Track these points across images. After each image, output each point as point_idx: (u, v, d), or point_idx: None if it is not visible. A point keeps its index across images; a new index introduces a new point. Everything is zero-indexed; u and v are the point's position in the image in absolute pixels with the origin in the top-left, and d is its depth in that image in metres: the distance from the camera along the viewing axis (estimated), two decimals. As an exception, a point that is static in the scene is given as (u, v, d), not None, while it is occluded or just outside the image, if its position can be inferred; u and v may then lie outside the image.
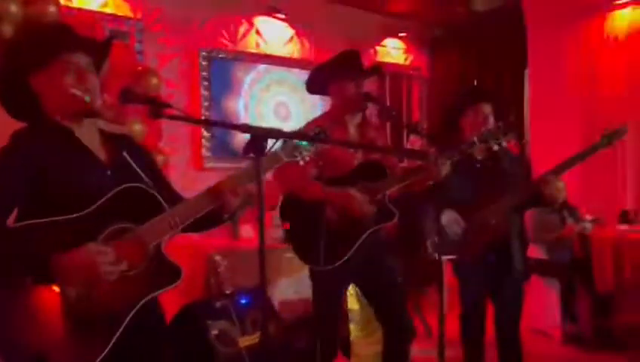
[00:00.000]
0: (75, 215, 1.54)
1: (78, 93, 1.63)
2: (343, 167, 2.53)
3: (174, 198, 1.78)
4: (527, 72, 5.44)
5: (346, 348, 3.56)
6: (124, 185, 1.61)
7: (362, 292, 2.77)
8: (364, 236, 2.45)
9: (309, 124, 2.64)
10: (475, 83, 5.93)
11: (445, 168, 2.41)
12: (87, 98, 1.64)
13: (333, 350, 2.67)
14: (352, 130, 2.64)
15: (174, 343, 3.18)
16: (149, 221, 1.61)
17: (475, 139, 2.54)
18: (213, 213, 1.74)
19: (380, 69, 2.89)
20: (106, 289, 1.53)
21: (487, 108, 2.85)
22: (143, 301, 1.58)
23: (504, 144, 2.54)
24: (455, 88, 6.23)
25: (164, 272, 1.63)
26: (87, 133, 1.72)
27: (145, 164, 1.79)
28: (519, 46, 5.31)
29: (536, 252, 4.25)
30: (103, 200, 1.57)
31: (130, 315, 1.55)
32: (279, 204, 2.55)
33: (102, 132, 1.77)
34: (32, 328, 1.50)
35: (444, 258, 2.84)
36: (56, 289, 1.51)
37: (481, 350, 2.99)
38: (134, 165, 1.71)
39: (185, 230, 1.74)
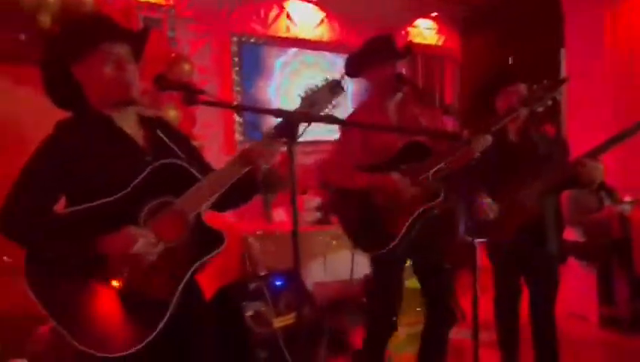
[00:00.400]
0: (113, 197, 1.60)
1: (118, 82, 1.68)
2: (388, 151, 2.55)
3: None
4: (563, 51, 5.29)
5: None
6: (158, 162, 1.66)
7: (414, 271, 2.78)
8: (411, 218, 2.46)
9: (350, 117, 2.67)
10: (510, 62, 5.80)
11: (486, 141, 2.39)
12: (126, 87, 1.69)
13: (390, 329, 2.70)
14: (392, 114, 2.64)
15: (211, 324, 3.26)
16: (186, 193, 1.65)
17: (518, 105, 2.46)
18: (247, 183, 1.75)
19: (412, 49, 2.85)
20: (153, 265, 1.60)
21: (522, 89, 2.80)
22: (194, 266, 1.64)
23: (551, 100, 2.46)
24: (488, 68, 6.10)
25: (208, 239, 1.67)
26: (127, 120, 1.77)
27: (180, 142, 1.84)
28: (556, 25, 5.16)
29: (573, 234, 4.17)
30: (138, 179, 1.62)
31: (182, 285, 1.61)
32: (328, 198, 2.59)
33: (140, 117, 1.83)
34: (89, 313, 1.57)
35: (478, 240, 2.82)
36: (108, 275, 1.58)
37: (516, 333, 2.98)
38: (169, 142, 1.77)
39: (224, 207, 1.81)
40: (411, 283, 3.77)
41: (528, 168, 2.71)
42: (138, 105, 1.79)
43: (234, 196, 1.79)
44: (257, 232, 3.85)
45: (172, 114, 3.24)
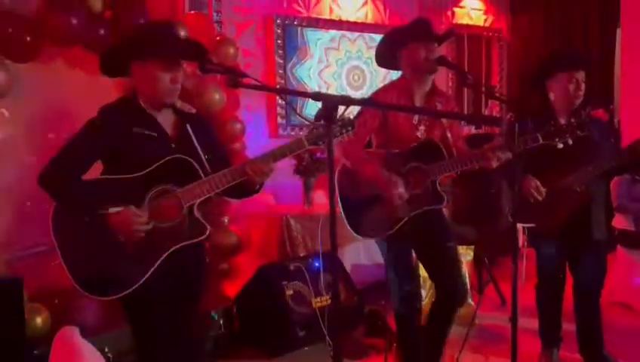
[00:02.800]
0: (133, 175, 1.94)
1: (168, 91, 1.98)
2: (405, 141, 2.54)
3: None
4: (619, 30, 5.06)
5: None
6: (173, 156, 1.96)
7: (417, 254, 2.78)
8: (406, 219, 2.50)
9: (375, 94, 2.65)
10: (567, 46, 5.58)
11: (504, 157, 2.38)
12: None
13: (411, 308, 2.71)
14: (419, 100, 2.60)
15: (252, 301, 3.35)
16: (187, 186, 1.95)
17: (539, 135, 2.39)
18: (244, 185, 2.04)
19: (452, 34, 2.78)
20: (146, 235, 1.93)
21: (580, 76, 2.68)
22: (174, 248, 1.95)
23: (566, 142, 2.37)
24: (538, 50, 5.91)
25: (194, 228, 1.99)
26: (164, 112, 2.05)
27: (207, 140, 2.10)
28: (611, 4, 4.94)
29: (622, 222, 4.04)
30: (154, 165, 1.94)
31: (164, 256, 1.94)
32: (337, 173, 2.60)
33: (175, 110, 2.09)
34: (95, 249, 1.94)
35: (523, 226, 2.77)
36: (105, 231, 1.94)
37: (558, 321, 2.93)
38: (195, 140, 2.03)
39: (227, 195, 2.14)
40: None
41: (580, 153, 2.62)
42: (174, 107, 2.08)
43: (235, 192, 2.11)
44: (297, 214, 3.90)
45: (217, 96, 3.29)
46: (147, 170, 1.94)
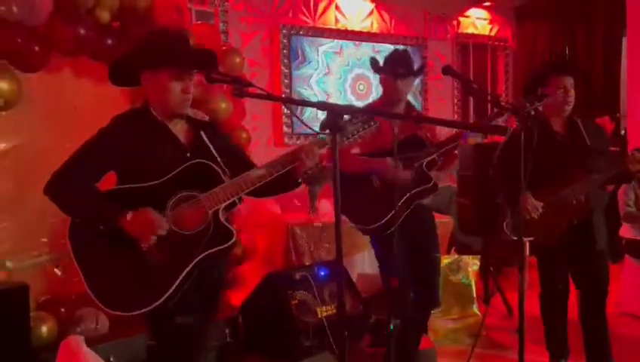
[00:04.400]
0: (152, 183, 1.87)
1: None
2: (385, 152, 2.66)
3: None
4: (625, 39, 5.05)
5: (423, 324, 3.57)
6: (193, 161, 1.91)
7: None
8: (404, 198, 2.61)
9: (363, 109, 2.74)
10: (567, 53, 5.59)
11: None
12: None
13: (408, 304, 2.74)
14: (395, 122, 2.71)
15: (258, 311, 3.34)
16: (210, 191, 1.88)
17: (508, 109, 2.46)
18: (287, 178, 1.98)
19: (423, 70, 2.92)
20: (169, 245, 1.85)
21: (568, 81, 2.71)
22: (201, 256, 1.86)
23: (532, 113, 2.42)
24: (543, 59, 5.92)
25: (219, 234, 1.89)
26: (176, 122, 2.00)
27: (223, 145, 2.06)
28: (617, 12, 4.93)
29: (630, 232, 4.00)
30: (175, 172, 1.88)
31: (189, 267, 1.85)
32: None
33: (188, 119, 2.03)
34: (112, 276, 1.86)
35: (525, 239, 2.76)
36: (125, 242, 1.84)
37: (563, 331, 2.90)
38: (210, 146, 1.98)
39: (258, 195, 2.02)
40: (459, 278, 3.75)
41: (575, 162, 2.62)
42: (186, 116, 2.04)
43: (273, 188, 2.01)
44: (303, 223, 3.90)
45: (223, 106, 3.31)
46: (166, 177, 1.87)
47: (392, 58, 2.74)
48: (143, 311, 1.83)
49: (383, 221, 2.61)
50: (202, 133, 2.00)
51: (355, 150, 2.74)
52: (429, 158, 2.66)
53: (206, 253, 1.87)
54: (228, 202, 1.89)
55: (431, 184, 2.66)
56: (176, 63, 1.91)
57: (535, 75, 2.95)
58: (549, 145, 2.64)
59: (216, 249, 1.88)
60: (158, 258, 1.85)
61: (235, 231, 1.92)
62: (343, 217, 2.33)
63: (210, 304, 2.07)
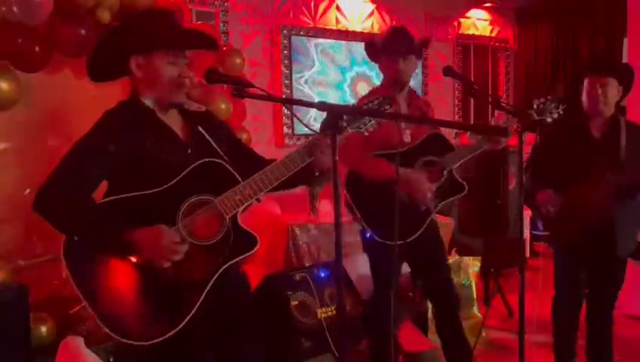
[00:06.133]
0: (155, 190, 1.63)
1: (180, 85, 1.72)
2: (393, 146, 2.49)
3: (257, 166, 1.78)
4: (625, 40, 5.04)
5: (424, 325, 3.56)
6: (201, 160, 1.69)
7: (411, 268, 2.80)
8: (431, 215, 2.48)
9: (363, 98, 2.61)
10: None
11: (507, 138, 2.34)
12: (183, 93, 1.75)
13: (387, 327, 2.58)
14: (402, 104, 2.62)
15: (256, 312, 3.33)
16: (225, 193, 1.68)
17: (533, 111, 2.42)
18: (303, 173, 1.78)
19: (427, 43, 2.77)
20: (186, 258, 1.63)
21: (604, 81, 2.63)
22: (223, 267, 1.67)
23: (553, 117, 2.41)
24: (544, 61, 5.91)
25: (241, 240, 1.70)
26: (169, 113, 1.79)
27: (223, 137, 1.85)
28: (617, 13, 4.92)
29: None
30: (181, 175, 1.65)
31: (212, 281, 1.64)
32: (345, 177, 2.55)
33: (183, 111, 1.83)
34: (118, 298, 1.61)
35: (526, 237, 2.75)
36: (134, 260, 1.62)
37: (574, 335, 2.84)
38: (210, 140, 1.77)
39: (278, 189, 1.78)
40: (460, 279, 3.74)
41: (602, 161, 2.57)
42: (183, 106, 1.82)
43: (287, 183, 1.80)
44: (303, 223, 3.89)
45: (223, 106, 3.30)
46: (173, 182, 1.64)
47: (391, 37, 2.58)
48: (161, 339, 1.58)
49: (412, 237, 2.45)
50: (199, 127, 1.80)
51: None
52: (459, 163, 2.51)
53: (229, 262, 1.67)
54: (247, 205, 1.70)
55: (463, 193, 2.52)
56: (172, 45, 1.69)
57: (573, 75, 2.89)
58: (579, 146, 2.62)
59: (240, 258, 1.69)
60: (174, 275, 1.61)
61: (258, 237, 1.72)
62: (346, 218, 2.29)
63: (235, 325, 1.82)
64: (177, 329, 1.59)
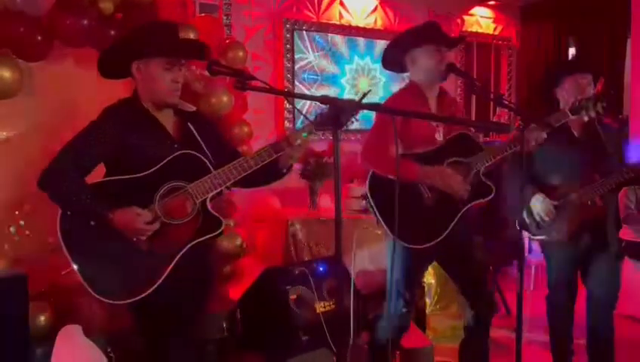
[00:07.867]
0: (139, 174, 1.91)
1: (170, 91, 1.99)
2: (426, 144, 2.46)
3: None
4: (629, 41, 5.03)
5: (422, 321, 3.57)
6: (179, 152, 1.96)
7: (445, 270, 2.69)
8: (460, 214, 2.40)
9: (390, 100, 2.59)
10: (574, 51, 5.56)
11: (540, 138, 2.37)
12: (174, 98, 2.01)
13: (405, 325, 2.67)
14: (433, 104, 2.55)
15: (255, 305, 3.34)
16: (198, 181, 1.94)
17: (567, 110, 2.45)
18: (272, 169, 2.05)
19: (463, 39, 2.78)
20: (160, 234, 1.91)
21: (586, 80, 2.66)
22: (191, 243, 1.94)
23: (594, 114, 2.43)
24: (547, 59, 5.90)
25: (209, 222, 1.97)
26: (163, 112, 2.05)
27: (210, 135, 2.10)
28: (621, 13, 4.91)
29: (629, 234, 4.00)
30: (161, 163, 1.93)
31: (180, 254, 1.92)
32: (368, 180, 2.46)
33: (177, 111, 2.09)
34: (103, 264, 1.91)
35: (534, 237, 2.75)
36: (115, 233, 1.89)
37: (569, 334, 2.86)
38: (197, 136, 2.04)
39: (245, 185, 2.08)
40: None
41: (589, 163, 2.59)
42: (176, 107, 2.07)
43: (260, 178, 2.09)
44: (302, 218, 3.89)
45: (225, 99, 3.30)
46: (154, 169, 1.92)
47: (431, 27, 2.48)
48: (133, 299, 1.88)
49: (434, 242, 2.36)
50: (190, 124, 2.05)
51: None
52: (488, 164, 2.42)
53: (196, 241, 1.94)
54: (215, 192, 1.95)
55: (492, 195, 2.41)
56: (166, 53, 1.95)
57: (546, 76, 2.90)
58: (565, 147, 2.62)
59: (205, 237, 1.96)
60: (147, 247, 1.90)
61: (224, 221, 1.98)
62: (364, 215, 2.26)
63: (197, 294, 2.10)
64: (147, 292, 1.87)
